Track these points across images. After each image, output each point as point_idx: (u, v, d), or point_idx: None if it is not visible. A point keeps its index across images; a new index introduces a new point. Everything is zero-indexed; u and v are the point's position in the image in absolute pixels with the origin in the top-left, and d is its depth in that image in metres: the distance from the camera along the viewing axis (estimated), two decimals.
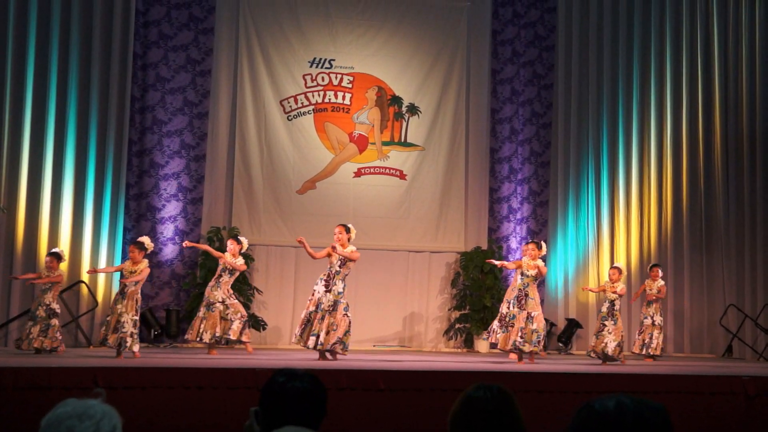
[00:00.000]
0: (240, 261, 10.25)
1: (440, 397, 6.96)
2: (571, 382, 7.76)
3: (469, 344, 12.63)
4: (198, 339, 10.04)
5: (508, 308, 9.80)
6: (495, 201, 13.37)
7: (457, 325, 12.66)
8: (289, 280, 12.34)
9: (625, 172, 13.47)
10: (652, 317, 11.45)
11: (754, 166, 13.54)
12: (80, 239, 11.41)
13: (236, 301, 10.22)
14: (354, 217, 12.44)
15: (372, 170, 12.99)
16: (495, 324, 9.92)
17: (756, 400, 7.98)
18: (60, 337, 9.54)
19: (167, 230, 12.06)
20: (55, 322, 9.45)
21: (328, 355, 9.36)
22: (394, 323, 12.76)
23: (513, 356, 9.90)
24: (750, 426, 7.79)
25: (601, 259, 13.27)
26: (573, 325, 12.83)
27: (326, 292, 9.34)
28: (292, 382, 2.66)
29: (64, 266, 10.31)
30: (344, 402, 6.99)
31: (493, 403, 2.45)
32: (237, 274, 10.30)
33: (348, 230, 9.58)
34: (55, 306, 9.60)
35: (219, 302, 10.02)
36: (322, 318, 9.25)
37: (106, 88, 11.72)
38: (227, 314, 10.02)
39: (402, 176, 13.04)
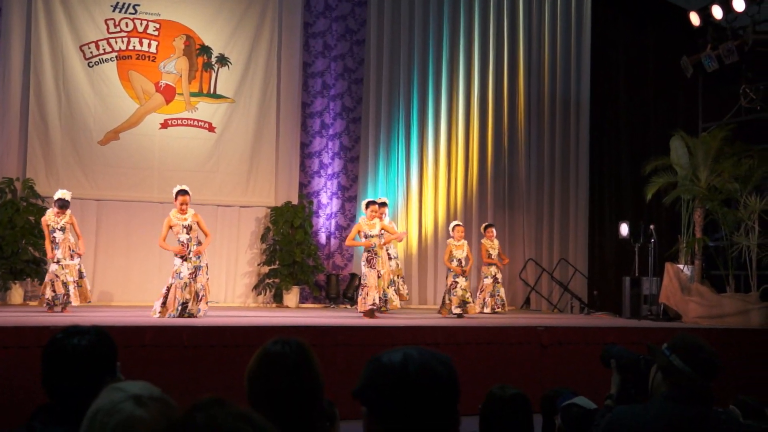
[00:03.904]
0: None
1: (246, 352, 6.85)
2: (371, 336, 7.91)
3: (278, 299, 12.56)
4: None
5: None
6: (306, 156, 13.30)
7: (267, 280, 12.57)
8: (89, 233, 11.68)
9: (435, 130, 13.77)
10: (494, 275, 11.76)
11: (553, 128, 14.41)
12: None
13: (72, 262, 9.54)
14: (159, 170, 12.04)
15: (179, 122, 12.55)
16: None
17: (549, 349, 8.44)
18: None
19: None
20: None
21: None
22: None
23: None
24: (544, 373, 8.22)
25: (409, 215, 13.54)
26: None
27: (183, 261, 9.09)
28: (71, 339, 2.49)
29: None
30: (149, 358, 6.89)
31: (291, 357, 2.40)
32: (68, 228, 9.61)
33: None
34: None
35: (54, 263, 9.44)
36: (186, 286, 9.01)
37: None
38: (65, 276, 9.43)
39: (211, 129, 12.69)
